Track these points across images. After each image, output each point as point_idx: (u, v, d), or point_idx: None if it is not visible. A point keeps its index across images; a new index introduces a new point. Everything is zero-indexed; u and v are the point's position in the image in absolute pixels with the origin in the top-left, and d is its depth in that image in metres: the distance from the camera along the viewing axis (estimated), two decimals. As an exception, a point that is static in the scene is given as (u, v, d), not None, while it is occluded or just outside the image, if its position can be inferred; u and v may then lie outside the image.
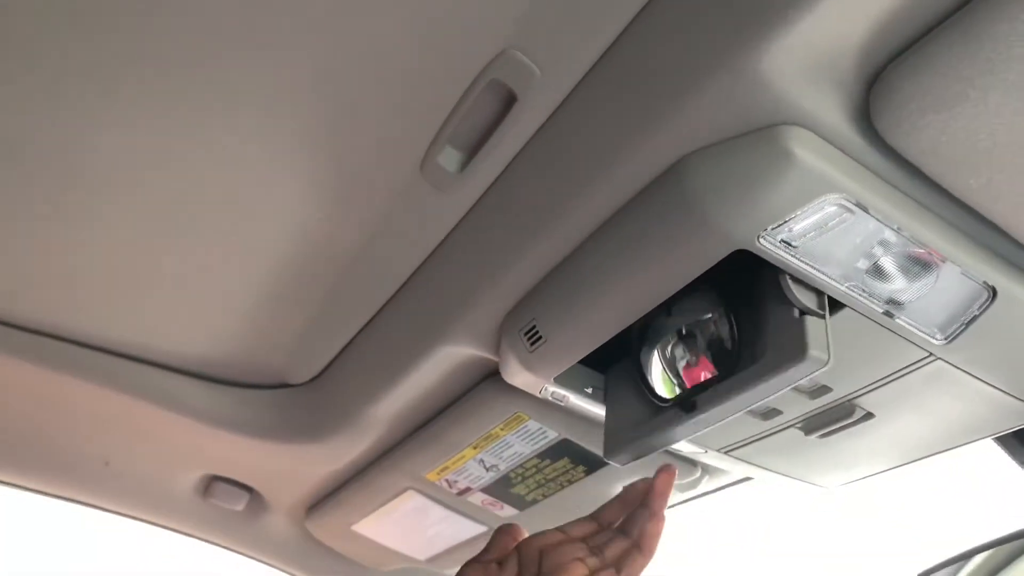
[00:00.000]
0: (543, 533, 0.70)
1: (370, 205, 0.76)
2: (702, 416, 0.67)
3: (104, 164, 0.72)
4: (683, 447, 0.85)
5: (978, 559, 0.95)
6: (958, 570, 0.97)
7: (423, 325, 0.84)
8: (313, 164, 0.72)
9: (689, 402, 0.68)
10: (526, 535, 0.73)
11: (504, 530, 0.74)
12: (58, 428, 1.11)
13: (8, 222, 0.79)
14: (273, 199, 0.76)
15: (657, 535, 0.69)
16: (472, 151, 0.67)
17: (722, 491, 1.09)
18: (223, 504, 1.20)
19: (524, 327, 0.74)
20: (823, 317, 0.60)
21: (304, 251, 0.82)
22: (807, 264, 0.58)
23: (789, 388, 0.68)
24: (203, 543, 1.34)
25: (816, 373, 0.60)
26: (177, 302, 0.91)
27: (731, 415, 0.66)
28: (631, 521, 0.71)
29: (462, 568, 0.73)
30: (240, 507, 1.21)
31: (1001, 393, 0.68)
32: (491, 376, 0.89)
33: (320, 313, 0.90)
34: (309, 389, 1.02)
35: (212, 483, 1.19)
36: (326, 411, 0.99)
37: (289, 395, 1.03)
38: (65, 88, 0.65)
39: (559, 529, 0.71)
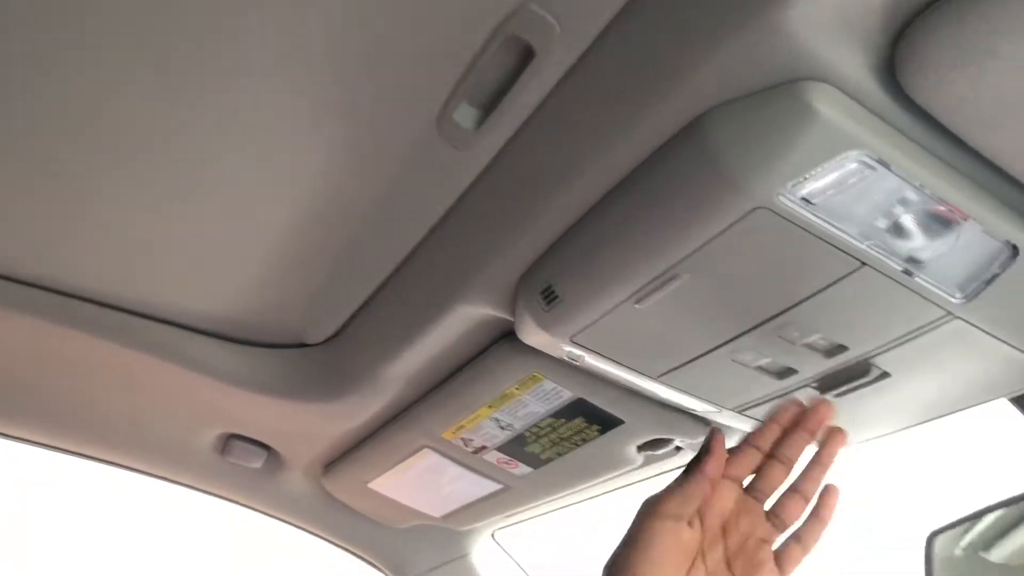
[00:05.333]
0: (718, 494, 0.72)
1: (385, 162, 0.75)
2: None
3: (119, 121, 0.72)
4: (696, 405, 0.86)
5: (990, 518, 0.96)
6: (969, 529, 0.98)
7: (439, 284, 0.84)
8: (327, 119, 0.71)
9: None
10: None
11: (701, 473, 0.74)
12: (79, 386, 1.12)
13: (27, 180, 0.79)
14: (287, 156, 0.76)
15: (834, 504, 0.71)
16: (488, 108, 0.67)
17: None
18: (241, 462, 1.22)
19: (540, 287, 0.74)
20: None
21: (319, 209, 0.82)
22: (826, 222, 0.57)
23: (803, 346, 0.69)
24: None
25: None
26: (193, 261, 0.91)
27: None
28: (804, 476, 0.72)
29: (648, 508, 0.73)
30: (258, 465, 1.22)
31: (1019, 352, 0.68)
32: (507, 336, 0.89)
33: (335, 272, 0.91)
34: (326, 348, 1.02)
35: (230, 441, 1.21)
36: (343, 370, 1.00)
37: (306, 354, 1.03)
38: (79, 43, 0.64)
39: (728, 477, 0.72)
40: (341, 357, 1.00)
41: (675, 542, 0.70)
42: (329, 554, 1.50)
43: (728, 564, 0.72)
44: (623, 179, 0.65)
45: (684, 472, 0.76)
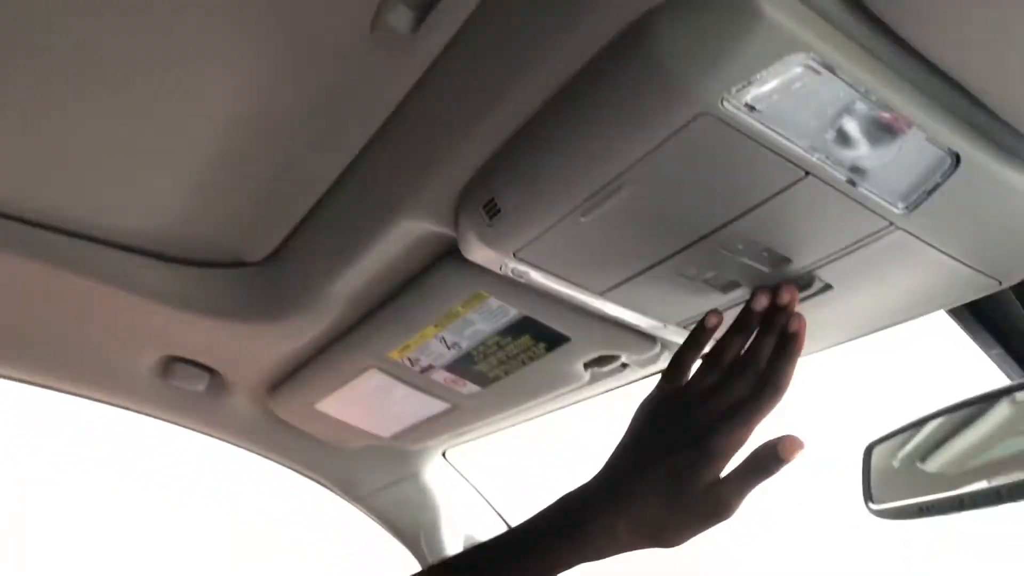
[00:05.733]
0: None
1: (317, 70, 0.72)
2: None
3: (43, 37, 0.68)
4: (641, 321, 0.86)
5: (926, 430, 0.98)
6: (909, 439, 1.00)
7: (379, 199, 0.81)
8: (254, 25, 0.67)
9: None
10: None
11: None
12: (11, 310, 1.08)
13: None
14: (216, 66, 0.72)
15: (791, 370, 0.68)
16: (425, 9, 0.63)
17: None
18: (183, 385, 1.19)
19: (482, 200, 0.72)
20: None
21: (250, 122, 0.78)
22: (771, 129, 0.56)
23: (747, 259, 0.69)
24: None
25: None
26: (123, 177, 0.87)
27: None
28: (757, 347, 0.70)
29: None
30: (201, 388, 1.20)
31: (959, 264, 0.69)
32: (451, 253, 0.87)
33: (271, 187, 0.87)
34: (265, 267, 0.99)
35: (171, 364, 1.18)
36: (283, 289, 0.98)
37: (245, 274, 1.00)
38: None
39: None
40: (281, 276, 0.98)
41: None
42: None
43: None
44: (565, 86, 0.62)
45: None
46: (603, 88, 0.60)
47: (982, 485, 0.89)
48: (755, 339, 0.70)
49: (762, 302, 0.71)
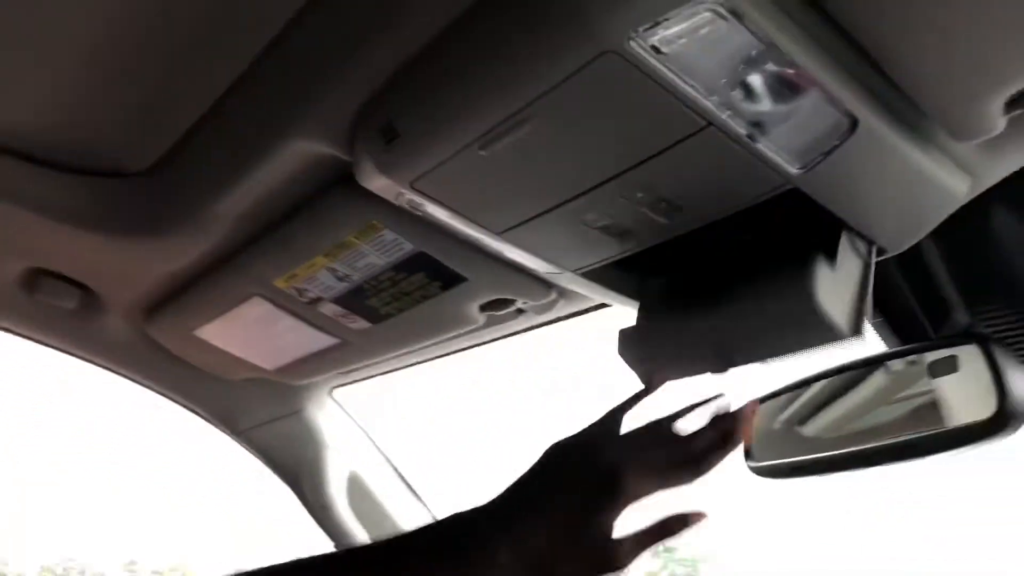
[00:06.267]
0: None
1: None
2: None
3: None
4: (539, 265, 0.85)
5: (806, 395, 1.01)
6: (790, 401, 1.03)
7: (270, 114, 0.77)
8: None
9: None
10: None
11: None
12: None
13: None
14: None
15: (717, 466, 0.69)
16: None
17: (581, 316, 1.11)
18: (52, 300, 1.11)
19: (380, 122, 0.69)
20: None
21: (134, 18, 0.72)
22: (676, 75, 0.55)
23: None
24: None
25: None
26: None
27: None
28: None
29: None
30: (71, 305, 1.13)
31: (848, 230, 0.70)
32: (346, 179, 0.83)
33: (155, 93, 0.81)
34: (146, 179, 0.93)
35: (38, 277, 1.10)
36: (165, 204, 0.92)
37: (124, 184, 0.94)
38: None
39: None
40: (162, 190, 0.92)
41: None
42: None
43: None
44: (470, 9, 0.60)
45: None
46: (509, 17, 0.58)
47: (852, 449, 0.92)
48: (702, 430, 0.71)
49: (727, 407, 0.72)
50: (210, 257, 1.01)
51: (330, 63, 0.69)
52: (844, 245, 0.70)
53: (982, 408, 0.77)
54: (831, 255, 0.69)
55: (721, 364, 0.77)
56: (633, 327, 0.82)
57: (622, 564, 0.65)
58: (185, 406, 1.43)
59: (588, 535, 0.65)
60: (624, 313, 0.91)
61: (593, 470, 0.67)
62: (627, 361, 0.81)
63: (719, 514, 0.69)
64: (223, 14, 0.71)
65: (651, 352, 0.80)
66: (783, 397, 1.03)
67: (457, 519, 0.70)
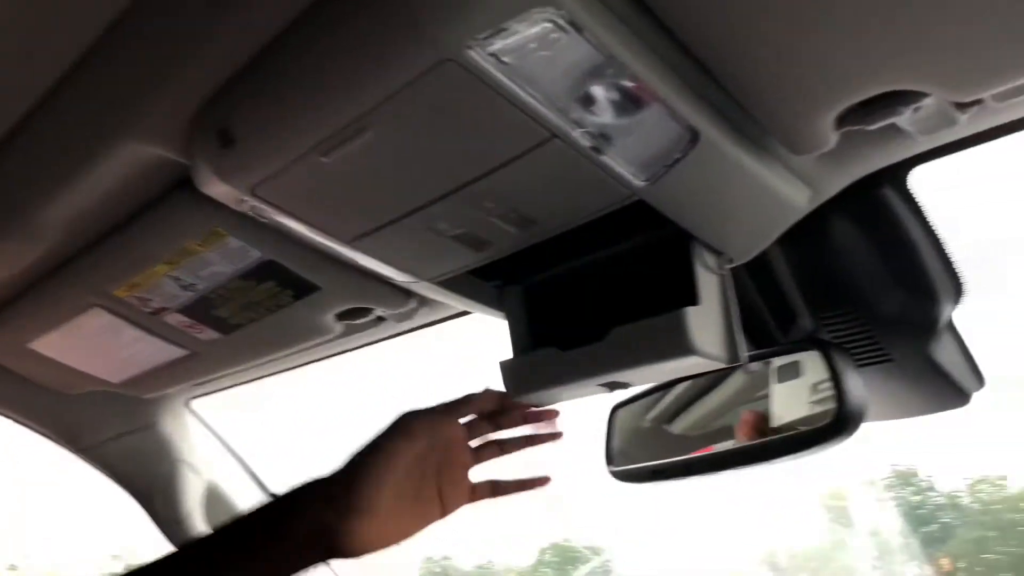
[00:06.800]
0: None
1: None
2: None
3: None
4: (395, 275, 0.82)
5: (671, 395, 1.03)
6: (654, 404, 1.04)
7: (101, 112, 0.71)
8: None
9: None
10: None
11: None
12: None
13: None
14: None
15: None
16: None
17: (442, 324, 1.09)
18: None
19: (216, 126, 0.65)
20: None
21: None
22: (517, 85, 0.54)
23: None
24: None
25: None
26: None
27: None
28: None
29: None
30: None
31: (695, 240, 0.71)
32: (186, 184, 0.79)
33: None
34: None
35: None
36: None
37: None
38: None
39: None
40: None
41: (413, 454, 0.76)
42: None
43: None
44: (308, 11, 0.57)
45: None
46: (347, 22, 0.56)
47: (709, 453, 0.94)
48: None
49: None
50: (43, 265, 0.93)
51: (161, 63, 0.65)
52: (698, 267, 0.71)
53: (822, 413, 0.80)
54: (690, 292, 0.71)
55: (607, 389, 0.79)
56: (512, 361, 0.83)
57: (447, 511, 0.77)
58: (24, 423, 1.33)
59: (429, 486, 0.76)
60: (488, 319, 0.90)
61: (435, 434, 0.77)
62: (512, 392, 0.81)
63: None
64: (45, 8, 0.65)
65: (535, 384, 0.80)
66: (642, 401, 1.05)
67: (285, 496, 0.75)
